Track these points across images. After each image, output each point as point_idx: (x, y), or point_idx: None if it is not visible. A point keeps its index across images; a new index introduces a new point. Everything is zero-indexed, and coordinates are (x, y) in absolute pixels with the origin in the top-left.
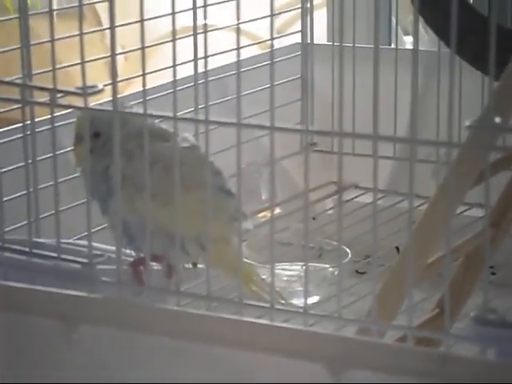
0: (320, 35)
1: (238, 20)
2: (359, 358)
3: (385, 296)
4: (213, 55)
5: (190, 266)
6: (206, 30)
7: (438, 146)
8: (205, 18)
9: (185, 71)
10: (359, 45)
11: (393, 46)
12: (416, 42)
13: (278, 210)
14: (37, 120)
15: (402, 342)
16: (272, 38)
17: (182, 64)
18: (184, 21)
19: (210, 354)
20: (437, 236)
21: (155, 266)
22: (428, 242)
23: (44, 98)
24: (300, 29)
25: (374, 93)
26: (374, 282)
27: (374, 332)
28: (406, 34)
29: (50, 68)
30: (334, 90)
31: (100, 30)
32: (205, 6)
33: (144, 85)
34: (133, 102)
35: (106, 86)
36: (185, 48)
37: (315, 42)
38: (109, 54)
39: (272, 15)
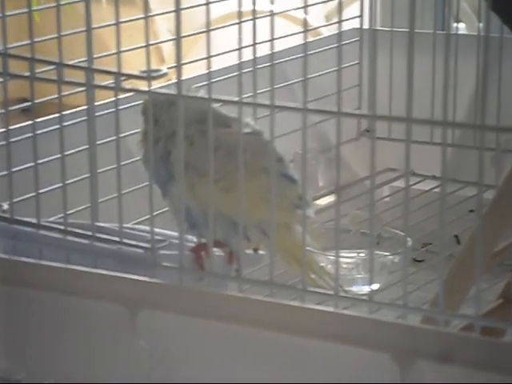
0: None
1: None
2: (426, 347)
3: (450, 285)
4: (275, 39)
5: (251, 251)
6: (272, 14)
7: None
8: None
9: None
10: (418, 30)
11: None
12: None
13: (334, 197)
14: (97, 104)
15: (468, 331)
16: (337, 22)
17: (245, 47)
18: (233, 6)
19: (273, 341)
20: (504, 225)
21: (217, 251)
22: (495, 230)
23: (105, 81)
24: (355, 14)
25: (409, 78)
26: (440, 271)
27: (440, 321)
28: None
29: (103, 53)
30: (391, 76)
31: (164, 13)
32: None
33: (209, 68)
34: (194, 86)
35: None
36: (233, 33)
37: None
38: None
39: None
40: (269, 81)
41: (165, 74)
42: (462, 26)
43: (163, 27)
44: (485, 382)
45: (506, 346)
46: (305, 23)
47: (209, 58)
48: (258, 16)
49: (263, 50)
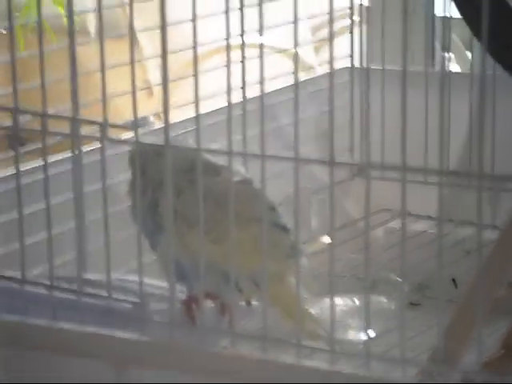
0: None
1: (295, 44)
2: None
3: (451, 333)
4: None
5: (244, 303)
6: (261, 52)
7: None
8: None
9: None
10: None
11: (437, 67)
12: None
13: (327, 240)
14: (84, 151)
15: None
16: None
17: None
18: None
19: None
20: (507, 269)
21: (208, 303)
22: (497, 276)
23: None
24: (344, 47)
25: (403, 122)
26: (439, 328)
27: (438, 375)
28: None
29: (94, 94)
30: (380, 116)
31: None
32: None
33: (198, 117)
34: (180, 132)
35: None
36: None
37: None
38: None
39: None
40: (259, 122)
41: (150, 124)
42: (451, 57)
43: (152, 61)
44: None
45: None
46: (296, 58)
47: (196, 103)
48: (246, 53)
49: (253, 89)
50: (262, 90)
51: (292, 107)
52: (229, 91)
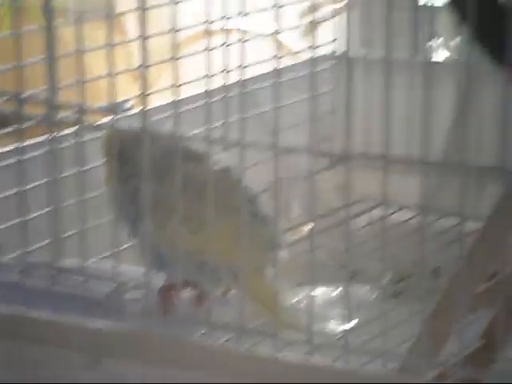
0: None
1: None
2: None
3: (432, 325)
4: (245, 66)
5: (220, 293)
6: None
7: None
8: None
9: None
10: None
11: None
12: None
13: (308, 227)
14: (61, 134)
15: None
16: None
17: (214, 75)
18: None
19: None
20: (489, 262)
21: (185, 292)
22: (479, 268)
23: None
24: (328, 33)
25: (386, 110)
26: (421, 318)
27: (419, 368)
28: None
29: (75, 75)
30: (362, 104)
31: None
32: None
33: (176, 103)
34: (159, 117)
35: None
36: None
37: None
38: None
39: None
40: (239, 109)
41: (130, 109)
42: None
43: (137, 47)
44: None
45: None
46: (279, 47)
47: (176, 86)
48: (228, 42)
49: (234, 75)
50: (241, 75)
51: (270, 92)
52: (209, 76)
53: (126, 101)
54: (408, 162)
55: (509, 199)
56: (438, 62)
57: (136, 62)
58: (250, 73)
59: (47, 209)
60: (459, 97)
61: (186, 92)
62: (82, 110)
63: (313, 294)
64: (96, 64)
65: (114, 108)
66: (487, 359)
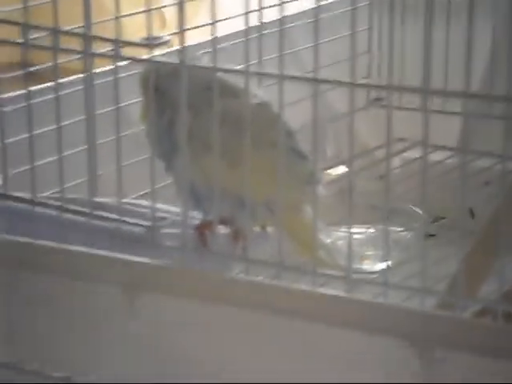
0: None
1: None
2: (445, 335)
3: (470, 264)
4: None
5: (259, 229)
6: None
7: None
8: None
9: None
10: None
11: None
12: None
13: (342, 169)
14: (96, 71)
15: (487, 313)
16: None
17: (251, 12)
18: None
19: (281, 327)
20: None
21: (222, 229)
22: None
23: (103, 48)
24: None
25: (426, 46)
26: (460, 261)
27: (457, 306)
28: None
29: (105, 18)
30: (399, 43)
31: None
32: None
33: (213, 34)
34: (199, 53)
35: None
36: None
37: None
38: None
39: None
40: (277, 48)
41: (167, 42)
42: None
43: None
44: (504, 369)
45: None
46: None
47: (213, 23)
48: None
49: (271, 15)
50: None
51: (310, 32)
52: (246, 7)
53: (161, 36)
54: (447, 95)
55: None
56: None
57: (165, 8)
58: (286, 11)
59: (84, 146)
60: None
61: (223, 30)
62: (118, 43)
63: (350, 232)
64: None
65: (151, 41)
66: None
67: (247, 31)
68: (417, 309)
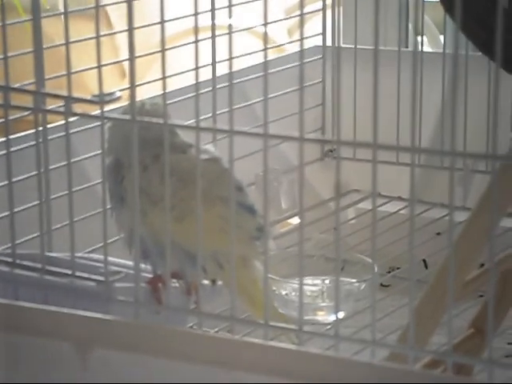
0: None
1: (264, 21)
2: None
3: (421, 314)
4: (234, 58)
5: (209, 283)
6: (230, 30)
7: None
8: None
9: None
10: (383, 47)
11: (409, 48)
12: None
13: (296, 220)
14: (49, 126)
15: (435, 365)
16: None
17: (202, 67)
18: (186, 24)
19: (235, 381)
20: (477, 251)
21: (174, 283)
22: (468, 257)
23: (57, 103)
24: (317, 29)
25: (375, 98)
26: (411, 312)
27: (410, 357)
28: (418, 34)
29: (62, 72)
30: (352, 95)
31: (114, 33)
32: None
33: (164, 89)
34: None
35: (122, 90)
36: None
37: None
38: (123, 58)
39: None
40: (228, 101)
41: (118, 98)
42: (424, 39)
43: (125, 42)
44: None
45: None
46: (265, 38)
47: (164, 78)
48: (217, 33)
49: (223, 69)
50: (230, 65)
51: (262, 84)
52: (197, 67)
53: (113, 92)
54: (397, 149)
55: (496, 187)
56: (426, 52)
57: (123, 57)
58: (237, 66)
59: (36, 201)
60: (447, 87)
61: (174, 85)
62: (69, 99)
63: (302, 285)
64: (83, 60)
65: (102, 98)
66: (477, 347)
67: (198, 86)
68: (366, 361)
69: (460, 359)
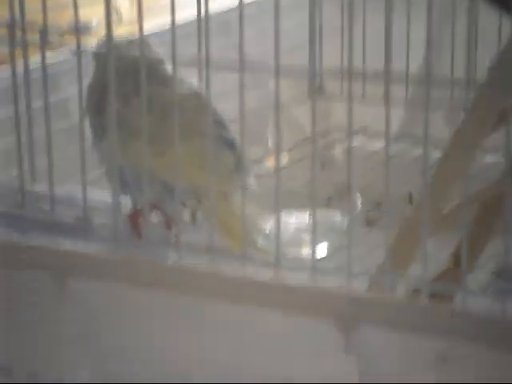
0: None
1: None
2: (370, 314)
3: (398, 247)
4: None
5: (188, 216)
6: None
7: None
8: None
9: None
10: None
11: None
12: None
13: (285, 158)
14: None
15: (415, 295)
16: None
17: None
18: None
19: (212, 311)
20: (453, 185)
21: (154, 217)
22: (443, 191)
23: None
24: None
25: (386, 31)
26: (386, 232)
27: (386, 285)
28: None
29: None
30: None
31: None
32: None
33: (141, 25)
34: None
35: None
36: None
37: None
38: None
39: None
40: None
41: (93, 28)
42: None
43: None
44: (430, 347)
45: (456, 312)
46: None
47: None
48: None
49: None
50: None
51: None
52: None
53: (89, 21)
54: (387, 80)
55: (471, 119)
56: None
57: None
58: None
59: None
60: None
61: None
62: (45, 30)
63: (283, 219)
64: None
65: (79, 28)
66: (456, 277)
67: (173, 24)
68: (338, 290)
69: (435, 287)
